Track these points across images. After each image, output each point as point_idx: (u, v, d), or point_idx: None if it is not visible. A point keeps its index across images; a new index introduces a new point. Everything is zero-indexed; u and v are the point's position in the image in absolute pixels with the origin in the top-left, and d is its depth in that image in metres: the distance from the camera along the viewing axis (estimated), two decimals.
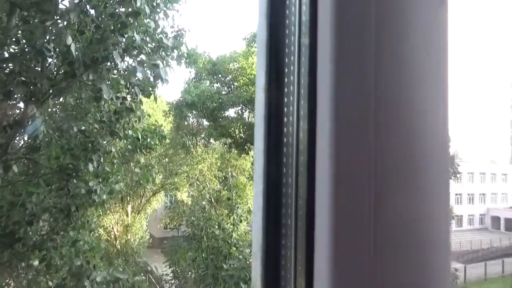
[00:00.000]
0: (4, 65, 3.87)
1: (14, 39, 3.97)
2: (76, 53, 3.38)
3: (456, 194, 29.16)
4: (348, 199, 0.52)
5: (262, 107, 0.63)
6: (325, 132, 0.53)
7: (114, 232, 14.12)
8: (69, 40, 3.12)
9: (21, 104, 4.89)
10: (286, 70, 0.62)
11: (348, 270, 0.52)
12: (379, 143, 0.53)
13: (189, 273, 9.58)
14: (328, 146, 0.53)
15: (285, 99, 0.62)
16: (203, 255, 9.64)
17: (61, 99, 5.21)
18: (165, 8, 4.83)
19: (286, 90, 0.62)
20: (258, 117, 0.64)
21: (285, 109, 0.61)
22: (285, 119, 0.61)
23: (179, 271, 10.20)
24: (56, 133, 4.86)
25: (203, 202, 10.88)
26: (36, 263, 5.46)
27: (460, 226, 28.43)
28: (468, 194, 30.12)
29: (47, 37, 3.45)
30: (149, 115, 8.70)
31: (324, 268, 0.52)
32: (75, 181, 5.42)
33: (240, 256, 8.69)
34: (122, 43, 3.92)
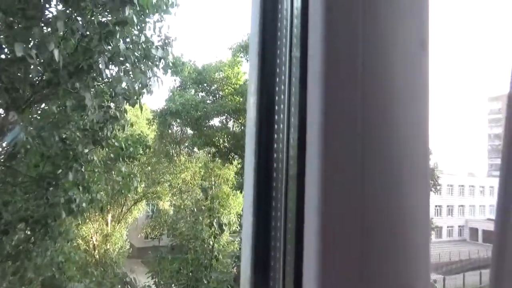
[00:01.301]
0: None
1: None
2: (59, 60, 3.32)
3: (436, 206, 29.72)
4: (336, 203, 0.54)
5: (253, 114, 0.65)
6: (314, 141, 0.55)
7: (93, 242, 13.79)
8: (51, 47, 3.06)
9: (1, 111, 4.78)
10: (277, 79, 0.64)
11: (337, 273, 0.53)
12: (366, 153, 0.56)
13: (173, 285, 9.42)
14: (317, 156, 0.54)
15: (276, 107, 0.64)
16: (189, 267, 9.49)
17: (43, 107, 5.10)
18: (154, 19, 4.83)
19: (277, 98, 0.64)
20: (249, 123, 0.67)
21: (276, 116, 0.63)
22: (276, 126, 0.63)
23: (162, 282, 10.00)
24: (36, 141, 4.74)
25: (197, 208, 10.74)
26: (9, 275, 5.28)
27: (440, 237, 28.92)
28: (448, 206, 30.74)
29: (31, 44, 3.38)
30: (132, 124, 8.61)
31: (312, 271, 0.53)
32: (54, 189, 5.29)
33: (222, 268, 8.60)
34: (108, 52, 3.88)
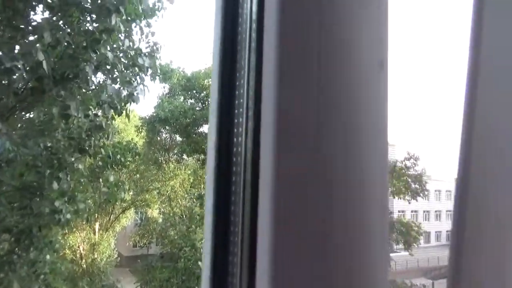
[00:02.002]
0: None
1: None
2: (47, 69, 3.27)
3: (424, 211, 29.98)
4: (289, 201, 0.56)
5: (215, 107, 0.68)
6: (269, 134, 0.57)
7: (80, 251, 13.54)
8: (41, 57, 3.02)
9: None
10: (238, 74, 0.67)
11: (289, 274, 0.55)
12: (323, 147, 0.58)
13: None
14: (271, 148, 0.57)
15: (236, 101, 0.66)
16: (180, 276, 9.38)
17: (28, 115, 5.02)
18: (141, 25, 4.80)
19: (236, 102, 0.66)
20: (211, 116, 0.69)
21: (236, 111, 0.66)
22: (235, 120, 0.66)
23: None
24: (21, 149, 4.65)
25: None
26: None
27: (428, 242, 29.14)
28: (435, 211, 31.04)
29: (16, 53, 3.33)
30: (119, 132, 8.52)
31: (265, 267, 0.55)
32: (38, 199, 5.19)
33: None
34: (95, 60, 3.84)
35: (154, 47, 5.47)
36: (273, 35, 0.59)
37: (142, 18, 4.67)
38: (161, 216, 14.34)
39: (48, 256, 5.83)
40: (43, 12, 3.90)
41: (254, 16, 0.64)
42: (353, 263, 0.59)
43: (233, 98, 0.67)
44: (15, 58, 3.11)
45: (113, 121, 5.36)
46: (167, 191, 14.05)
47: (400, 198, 9.76)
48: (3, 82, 3.92)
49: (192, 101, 14.17)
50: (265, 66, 0.60)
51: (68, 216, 5.04)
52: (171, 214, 13.61)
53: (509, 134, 0.44)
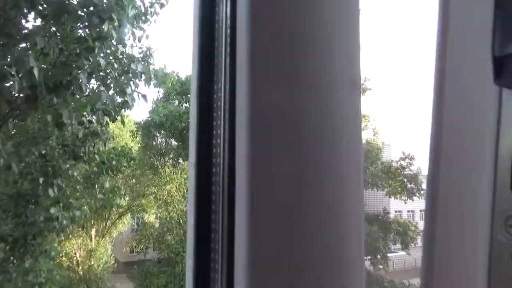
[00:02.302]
0: None
1: None
2: (38, 76, 3.26)
3: (421, 211, 30.12)
4: (264, 198, 0.58)
5: (195, 109, 0.71)
6: (242, 136, 0.60)
7: (76, 258, 13.45)
8: (32, 63, 3.01)
9: None
10: (216, 78, 0.70)
11: (264, 269, 0.57)
12: (302, 152, 0.60)
13: None
14: (244, 148, 0.59)
15: (214, 105, 0.69)
16: (178, 281, 9.33)
17: (21, 122, 4.99)
18: (133, 29, 4.80)
19: (215, 105, 0.69)
20: (192, 122, 0.73)
21: (214, 114, 0.69)
22: (214, 123, 0.68)
23: None
24: (14, 157, 4.62)
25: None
26: None
27: None
28: None
29: (9, 60, 3.31)
30: (113, 137, 8.46)
31: (241, 266, 0.58)
32: (33, 207, 5.16)
33: None
34: (88, 67, 3.83)
35: (147, 52, 5.47)
36: (245, 45, 0.61)
37: (134, 24, 4.67)
38: (158, 221, 14.28)
39: (44, 264, 5.78)
40: (34, 19, 3.89)
41: (228, 29, 0.66)
42: (327, 262, 0.61)
43: (211, 100, 0.69)
44: (8, 65, 3.10)
45: (108, 127, 5.35)
46: (164, 196, 14.00)
47: (397, 198, 9.80)
48: None
49: (187, 105, 14.16)
50: (238, 72, 0.62)
51: (64, 222, 5.01)
52: (168, 219, 13.56)
53: (476, 132, 0.45)
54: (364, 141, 10.20)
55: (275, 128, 0.60)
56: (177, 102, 14.05)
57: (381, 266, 9.26)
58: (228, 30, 0.66)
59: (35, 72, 2.98)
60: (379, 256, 9.11)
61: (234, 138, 0.62)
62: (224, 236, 0.63)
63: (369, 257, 9.08)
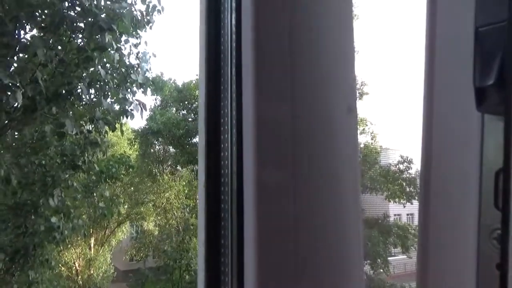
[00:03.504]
0: None
1: None
2: (41, 86, 3.28)
3: None
4: (270, 203, 0.62)
5: (203, 115, 0.75)
6: (249, 139, 0.64)
7: (75, 267, 13.36)
8: (38, 75, 3.03)
9: None
10: (222, 80, 0.73)
11: (272, 268, 0.61)
12: (297, 149, 0.64)
13: None
14: (252, 153, 0.63)
15: (222, 112, 0.73)
16: (177, 287, 9.29)
17: (19, 133, 4.99)
18: (129, 38, 4.82)
19: (222, 104, 0.73)
20: (200, 124, 0.76)
21: (222, 120, 0.72)
22: (222, 128, 0.72)
23: None
24: (13, 168, 4.62)
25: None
26: None
27: None
28: None
29: (12, 71, 3.33)
30: (112, 145, 8.48)
31: (251, 266, 0.61)
32: (33, 217, 5.14)
33: None
34: (87, 77, 3.84)
35: (144, 58, 5.49)
36: (249, 60, 0.64)
37: (131, 32, 4.70)
38: (157, 228, 14.22)
39: (44, 274, 5.75)
40: (31, 29, 3.91)
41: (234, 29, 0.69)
42: (328, 268, 0.65)
43: (218, 126, 0.73)
44: (11, 76, 3.12)
45: (106, 136, 5.35)
46: (163, 203, 13.96)
47: (396, 202, 9.81)
48: None
49: (184, 112, 14.18)
50: (244, 81, 0.66)
51: (66, 232, 5.00)
52: (167, 226, 13.51)
53: (462, 153, 0.50)
54: (362, 145, 10.23)
55: (278, 149, 0.63)
56: (174, 109, 14.07)
57: (381, 270, 9.25)
58: (234, 36, 0.70)
59: (41, 83, 3.00)
60: (379, 260, 9.10)
61: (241, 159, 0.65)
62: (234, 251, 0.66)
63: (369, 261, 9.07)
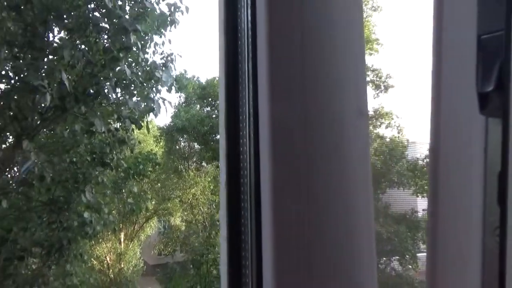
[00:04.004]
0: None
1: (4, 75, 3.99)
2: (69, 87, 3.41)
3: None
4: (285, 197, 0.64)
5: (223, 108, 0.78)
6: (265, 140, 0.66)
7: (107, 261, 13.81)
8: (64, 76, 3.16)
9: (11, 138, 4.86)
10: (240, 80, 0.76)
11: (287, 262, 0.63)
12: (312, 159, 0.66)
13: None
14: (267, 154, 0.65)
15: (240, 109, 0.75)
16: (203, 282, 9.44)
17: (51, 132, 5.19)
18: (153, 38, 4.92)
19: (240, 103, 0.75)
20: (221, 119, 0.79)
21: (240, 117, 0.75)
22: (241, 125, 0.75)
23: None
24: (47, 166, 4.82)
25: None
26: None
27: None
28: None
29: (40, 73, 3.48)
30: (139, 142, 8.69)
31: (268, 258, 0.64)
32: (66, 213, 5.35)
33: None
34: (113, 76, 3.96)
35: (169, 58, 5.59)
36: (264, 64, 0.67)
37: (155, 33, 4.79)
38: (184, 224, 14.47)
39: (78, 268, 5.99)
40: (59, 32, 4.05)
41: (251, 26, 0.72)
42: (340, 265, 0.67)
43: (238, 130, 0.75)
44: (41, 78, 3.26)
45: (133, 133, 5.49)
46: (189, 199, 14.19)
47: (424, 197, 9.58)
48: (28, 102, 4.09)
49: (208, 108, 14.32)
50: (260, 83, 0.68)
51: (98, 228, 5.18)
52: (193, 222, 13.72)
53: (467, 154, 0.52)
54: (388, 139, 10.02)
55: (291, 150, 0.66)
56: (198, 106, 14.23)
57: (410, 266, 9.07)
58: (250, 32, 0.73)
59: (66, 83, 3.13)
60: (407, 256, 8.92)
61: (259, 159, 0.68)
62: (253, 245, 0.69)
63: (397, 257, 8.91)
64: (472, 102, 0.49)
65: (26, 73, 3.44)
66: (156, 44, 4.82)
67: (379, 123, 10.03)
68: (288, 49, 0.66)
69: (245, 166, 0.73)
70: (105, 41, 4.11)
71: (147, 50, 4.83)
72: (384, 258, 8.89)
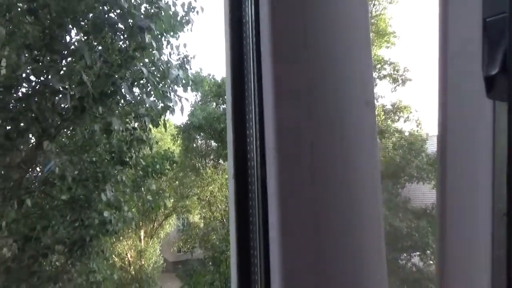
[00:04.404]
0: (17, 104, 3.99)
1: (24, 77, 4.10)
2: (89, 88, 3.49)
3: None
4: (292, 197, 0.65)
5: (230, 105, 0.80)
6: (270, 153, 0.67)
7: (128, 258, 14.08)
8: (85, 78, 3.23)
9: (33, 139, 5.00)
10: (246, 79, 0.77)
11: (296, 261, 0.64)
12: (317, 150, 0.66)
13: None
14: (272, 163, 0.66)
15: (247, 108, 0.76)
16: (222, 279, 9.52)
17: (70, 133, 5.31)
18: (169, 39, 4.96)
19: (247, 99, 0.76)
20: (228, 116, 0.81)
21: (247, 116, 0.76)
22: (247, 124, 0.76)
23: None
24: (67, 166, 4.93)
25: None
26: None
27: None
28: None
29: (61, 75, 3.56)
30: (157, 142, 8.81)
31: (276, 261, 0.65)
32: (88, 211, 5.47)
33: None
34: (130, 76, 4.02)
35: (185, 59, 5.64)
36: (268, 57, 0.67)
37: (171, 33, 4.83)
38: (202, 221, 14.61)
39: (100, 265, 6.12)
40: (76, 34, 4.13)
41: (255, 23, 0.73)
42: (348, 265, 0.67)
43: (244, 124, 0.77)
44: (62, 80, 3.34)
45: (150, 132, 5.57)
46: (207, 196, 14.30)
47: None
48: (47, 104, 4.20)
49: (225, 106, 14.36)
50: (264, 92, 0.69)
51: (118, 225, 5.28)
52: (211, 219, 13.83)
53: (476, 137, 0.51)
54: (407, 133, 9.84)
55: (296, 147, 0.66)
56: (214, 104, 14.30)
57: (431, 262, 8.92)
58: (254, 30, 0.73)
59: (88, 84, 3.20)
60: (428, 251, 8.77)
61: (265, 154, 0.69)
62: (261, 237, 0.70)
63: (418, 253, 8.78)
64: (480, 87, 0.48)
65: (46, 76, 3.53)
66: (171, 46, 4.87)
67: (397, 117, 9.88)
68: (292, 45, 0.66)
69: (252, 163, 0.74)
70: (121, 41, 4.17)
71: (163, 51, 4.88)
72: (405, 254, 8.77)
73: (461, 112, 0.53)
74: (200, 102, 14.42)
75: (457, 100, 0.53)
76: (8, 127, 4.16)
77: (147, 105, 4.43)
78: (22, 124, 4.16)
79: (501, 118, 0.47)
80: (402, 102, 9.82)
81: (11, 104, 3.96)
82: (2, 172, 4.14)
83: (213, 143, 14.82)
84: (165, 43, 4.93)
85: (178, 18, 4.73)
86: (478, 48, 0.48)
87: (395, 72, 9.85)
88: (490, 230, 0.48)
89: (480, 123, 0.50)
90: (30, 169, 5.11)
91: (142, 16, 3.70)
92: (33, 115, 3.99)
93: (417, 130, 9.89)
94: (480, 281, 0.50)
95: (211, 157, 14.94)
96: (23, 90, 4.14)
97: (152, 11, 3.90)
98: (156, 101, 4.67)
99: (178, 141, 14.89)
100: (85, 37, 3.81)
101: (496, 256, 0.47)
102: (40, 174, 5.57)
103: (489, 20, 0.47)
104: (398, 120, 9.92)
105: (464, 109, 0.52)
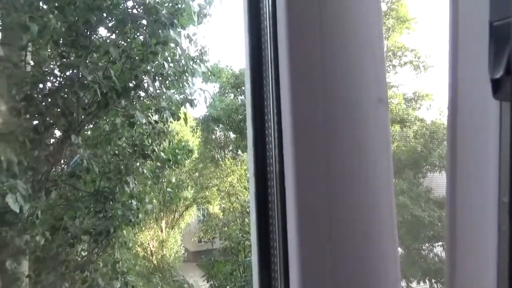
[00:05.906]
0: (44, 100, 4.11)
1: (51, 73, 4.22)
2: (116, 81, 3.57)
3: None
4: (307, 196, 0.67)
5: (250, 103, 0.82)
6: (288, 152, 0.69)
7: (150, 248, 14.40)
8: (112, 72, 3.31)
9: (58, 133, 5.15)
10: (264, 75, 0.79)
11: (311, 259, 0.66)
12: (332, 146, 0.68)
13: (227, 287, 9.67)
14: (290, 162, 0.67)
15: (265, 104, 0.79)
16: (241, 269, 9.66)
17: (93, 126, 5.44)
18: (188, 32, 4.99)
19: (266, 117, 0.79)
20: (248, 113, 0.83)
21: (265, 110, 0.79)
22: (266, 117, 0.78)
23: (217, 285, 10.28)
24: (92, 159, 5.06)
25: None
26: (78, 284, 5.66)
27: None
28: None
29: (88, 69, 3.64)
30: (177, 133, 8.93)
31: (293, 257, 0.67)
32: (111, 203, 5.62)
33: None
34: (152, 71, 4.08)
35: (203, 51, 5.66)
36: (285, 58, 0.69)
37: (189, 27, 4.86)
38: (222, 212, 14.76)
39: (124, 255, 6.30)
40: (101, 30, 4.20)
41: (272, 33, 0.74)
42: (362, 263, 0.69)
43: (263, 124, 0.79)
44: (91, 73, 3.42)
45: (171, 125, 5.64)
46: (226, 187, 14.42)
47: None
48: (73, 98, 4.30)
49: (242, 97, 14.37)
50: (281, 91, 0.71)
51: (140, 216, 5.41)
52: (231, 210, 13.97)
53: (485, 118, 0.53)
54: (429, 122, 9.66)
55: (313, 145, 0.68)
56: (232, 95, 14.33)
57: None
58: (272, 28, 0.75)
59: (114, 78, 3.27)
60: None
61: (283, 153, 0.71)
62: (280, 234, 0.73)
63: (440, 243, 8.66)
64: (488, 87, 0.50)
65: (72, 71, 3.62)
66: (190, 38, 4.90)
67: (418, 105, 9.67)
68: (307, 41, 0.68)
69: (270, 160, 0.76)
70: (144, 36, 4.22)
71: (182, 45, 4.91)
72: (427, 244, 8.66)
73: (469, 110, 0.55)
74: (218, 94, 14.47)
75: (466, 101, 0.56)
76: (36, 122, 4.29)
77: (168, 98, 4.48)
78: (48, 119, 4.28)
79: (507, 117, 0.49)
80: (424, 89, 9.61)
81: (38, 100, 4.08)
82: (34, 165, 4.29)
83: (232, 134, 14.89)
84: (183, 36, 4.95)
85: (197, 11, 4.75)
86: (486, 50, 0.50)
87: (417, 59, 9.63)
88: (496, 223, 0.50)
89: (487, 120, 0.52)
90: (56, 163, 5.26)
91: (164, 11, 3.74)
92: (59, 109, 4.10)
93: (440, 119, 9.68)
94: (487, 272, 0.51)
95: (230, 148, 15.02)
96: (49, 85, 4.25)
97: (176, 6, 3.94)
98: (176, 94, 4.73)
99: (197, 133, 15.01)
100: (109, 33, 3.87)
101: (502, 248, 0.49)
102: (66, 167, 5.73)
103: (495, 24, 0.48)
104: (420, 108, 9.72)
105: (472, 107, 0.55)
